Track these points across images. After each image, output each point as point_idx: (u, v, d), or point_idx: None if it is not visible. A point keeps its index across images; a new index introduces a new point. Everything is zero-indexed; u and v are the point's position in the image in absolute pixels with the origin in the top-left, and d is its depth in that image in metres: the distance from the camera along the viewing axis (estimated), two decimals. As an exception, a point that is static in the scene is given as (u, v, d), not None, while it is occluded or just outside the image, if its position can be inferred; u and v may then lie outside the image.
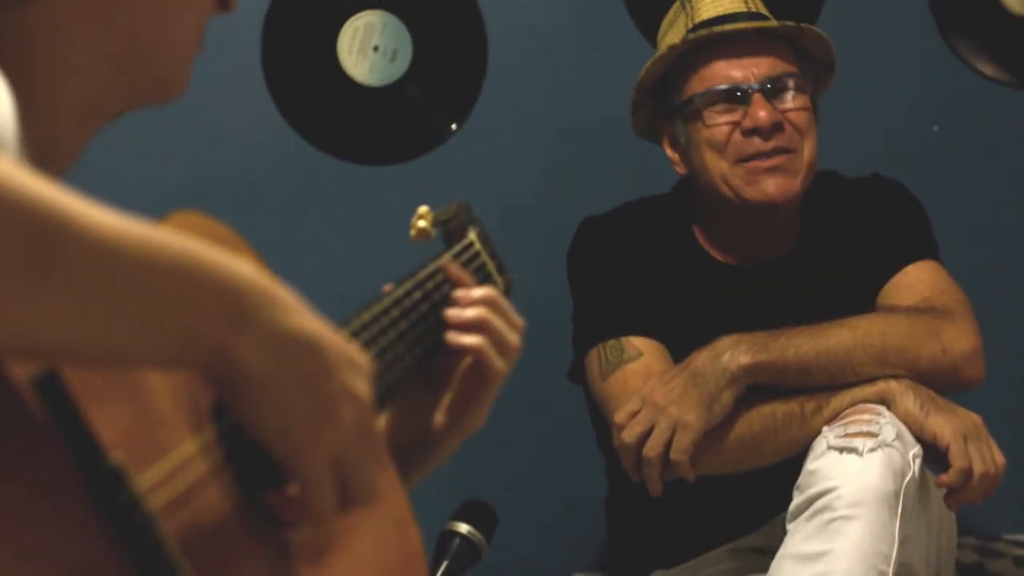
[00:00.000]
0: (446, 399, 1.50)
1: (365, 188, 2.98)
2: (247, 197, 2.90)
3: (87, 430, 0.96)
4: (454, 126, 3.02)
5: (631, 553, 2.69)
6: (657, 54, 2.56)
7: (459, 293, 1.48)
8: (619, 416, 2.37)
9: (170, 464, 1.03)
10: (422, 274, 1.45)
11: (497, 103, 3.02)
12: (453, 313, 1.47)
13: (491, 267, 1.65)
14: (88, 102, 1.18)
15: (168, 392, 1.07)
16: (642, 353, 2.45)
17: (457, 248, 1.60)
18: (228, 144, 2.92)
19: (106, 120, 1.21)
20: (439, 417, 1.51)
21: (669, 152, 2.61)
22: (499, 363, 1.48)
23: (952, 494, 2.31)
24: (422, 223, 1.61)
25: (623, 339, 2.47)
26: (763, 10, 2.59)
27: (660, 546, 2.62)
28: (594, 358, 2.49)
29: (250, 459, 1.10)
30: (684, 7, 2.62)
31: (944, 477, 2.30)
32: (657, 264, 2.55)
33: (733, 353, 2.34)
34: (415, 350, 1.41)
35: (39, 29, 1.14)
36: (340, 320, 1.29)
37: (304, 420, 1.05)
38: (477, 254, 1.63)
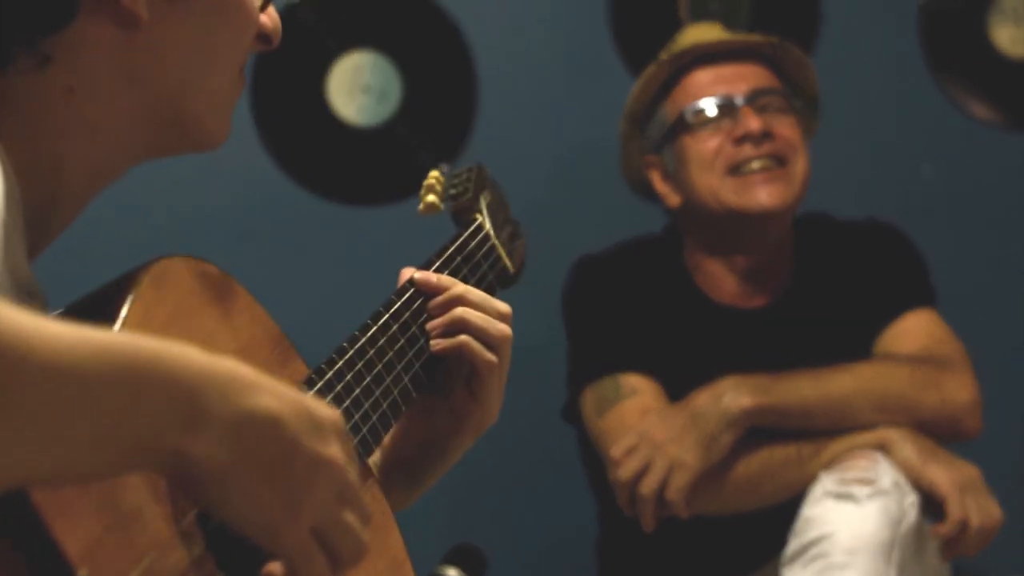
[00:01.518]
0: (451, 400, 1.48)
1: (354, 229, 2.98)
2: (234, 238, 2.89)
3: (54, 551, 0.94)
4: (443, 167, 3.00)
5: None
6: (643, 76, 2.56)
7: (432, 303, 1.46)
8: (615, 451, 2.36)
9: (147, 567, 1.01)
10: (397, 300, 1.43)
11: (487, 143, 3.01)
12: (430, 325, 1.45)
13: (501, 249, 1.62)
14: (101, 158, 1.16)
15: (143, 478, 1.04)
16: (638, 390, 2.44)
17: (465, 236, 1.56)
18: (215, 185, 2.91)
19: (121, 172, 1.19)
20: (447, 419, 1.49)
21: (660, 186, 2.59)
22: (488, 355, 1.45)
23: (948, 545, 2.30)
24: (431, 197, 1.58)
25: (619, 376, 2.46)
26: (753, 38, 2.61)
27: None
28: (590, 395, 2.48)
29: (232, 542, 1.07)
30: (671, 44, 2.62)
31: (940, 528, 2.30)
32: (652, 303, 2.55)
33: (734, 395, 2.34)
34: (404, 376, 1.39)
35: (56, 90, 1.12)
36: (316, 366, 1.27)
37: (275, 502, 1.02)
38: (486, 236, 1.60)
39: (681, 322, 2.54)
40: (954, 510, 2.29)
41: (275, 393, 1.03)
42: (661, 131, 2.57)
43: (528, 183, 3.05)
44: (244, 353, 1.19)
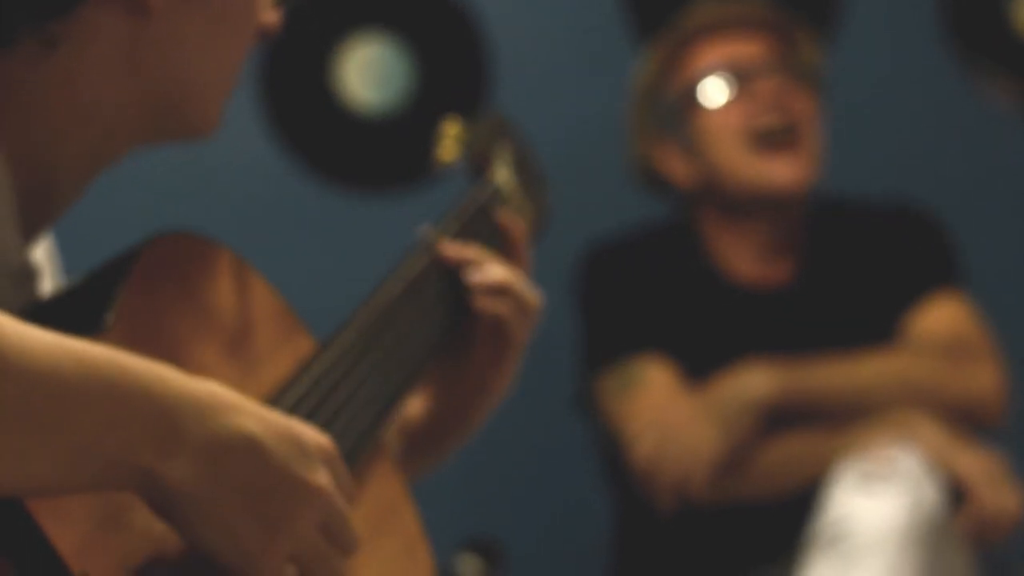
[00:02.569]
0: (472, 368, 1.45)
1: (362, 216, 2.96)
2: (240, 223, 2.88)
3: (45, 548, 0.92)
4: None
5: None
6: (649, 53, 2.54)
7: (473, 278, 1.42)
8: (633, 435, 2.35)
9: (139, 564, 0.99)
10: (412, 267, 1.39)
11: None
12: (475, 283, 1.41)
13: (522, 202, 1.55)
14: (98, 143, 1.14)
15: None
16: (656, 373, 2.42)
17: (483, 191, 1.50)
18: (222, 170, 2.90)
19: (118, 158, 1.17)
20: (468, 387, 1.46)
21: (671, 166, 2.56)
22: (522, 329, 1.43)
23: (971, 533, 2.29)
24: (448, 146, 1.53)
25: (636, 359, 2.44)
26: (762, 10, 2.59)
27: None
28: (606, 380, 2.46)
29: None
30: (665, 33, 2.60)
31: (963, 516, 2.28)
32: (667, 285, 2.53)
33: (756, 380, 2.33)
34: (420, 345, 1.34)
35: (58, 75, 1.11)
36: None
37: (252, 530, 0.99)
38: (506, 192, 1.53)
39: (697, 304, 2.52)
40: (978, 498, 2.28)
41: (257, 417, 1.00)
42: (672, 108, 2.54)
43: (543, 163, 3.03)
44: (248, 328, 1.17)
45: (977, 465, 2.31)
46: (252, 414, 1.00)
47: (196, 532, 0.99)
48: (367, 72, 2.97)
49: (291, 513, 1.01)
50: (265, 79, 2.93)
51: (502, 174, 1.55)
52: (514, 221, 1.51)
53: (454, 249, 1.42)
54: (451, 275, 1.41)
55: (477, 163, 1.56)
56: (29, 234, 1.12)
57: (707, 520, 2.40)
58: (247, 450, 0.99)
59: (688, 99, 2.51)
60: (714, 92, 2.49)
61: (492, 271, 1.42)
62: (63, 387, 0.90)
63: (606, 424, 2.48)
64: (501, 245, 1.48)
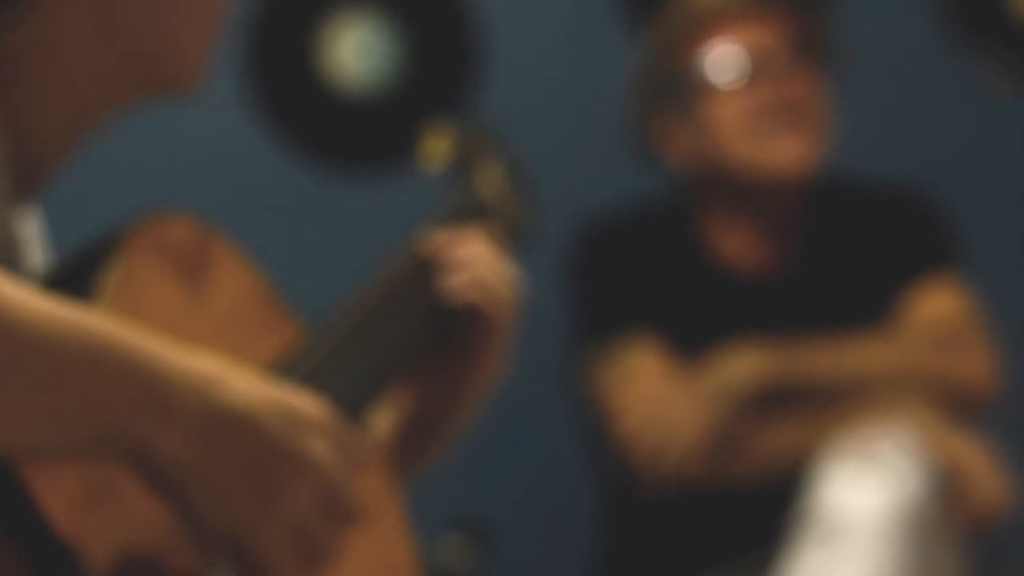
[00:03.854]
0: (460, 360, 1.44)
1: (350, 199, 2.96)
2: (227, 205, 2.88)
3: (40, 517, 0.93)
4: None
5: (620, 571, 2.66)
6: (655, 34, 2.54)
7: (448, 265, 1.43)
8: (620, 411, 2.35)
9: (132, 534, 1.00)
10: (397, 269, 1.40)
11: (489, 112, 2.99)
12: (449, 281, 1.41)
13: (508, 202, 1.56)
14: (78, 108, 1.14)
15: None
16: (647, 352, 2.42)
17: (468, 193, 1.52)
18: (206, 150, 2.90)
19: (98, 123, 1.17)
20: (447, 383, 1.46)
21: (673, 144, 2.56)
22: (501, 315, 1.42)
23: (961, 519, 2.30)
24: (433, 149, 1.54)
25: (627, 336, 2.44)
26: None
27: (648, 565, 2.58)
28: (596, 356, 2.46)
29: None
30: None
31: (954, 502, 2.28)
32: (660, 266, 2.54)
33: (747, 361, 2.34)
34: (405, 339, 1.36)
35: (34, 38, 1.11)
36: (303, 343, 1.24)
37: (245, 504, 1.00)
38: (491, 195, 1.53)
39: (690, 287, 2.53)
40: (967, 484, 2.29)
41: (253, 390, 1.00)
42: (678, 88, 2.54)
43: (530, 154, 3.03)
44: (235, 310, 1.18)
45: (967, 450, 2.32)
46: (247, 386, 1.00)
47: (188, 504, 0.99)
48: (355, 51, 2.97)
49: (285, 485, 1.01)
50: (250, 57, 2.92)
51: (486, 182, 1.56)
52: (493, 229, 1.53)
53: (432, 242, 1.43)
54: (432, 272, 1.43)
55: (461, 170, 1.57)
56: (14, 203, 1.11)
57: (692, 504, 2.40)
58: (241, 422, 0.99)
59: (698, 80, 2.51)
60: (725, 75, 2.49)
61: (473, 267, 1.42)
62: (58, 351, 0.90)
63: (593, 402, 2.49)
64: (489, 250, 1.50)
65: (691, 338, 2.43)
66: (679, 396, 2.34)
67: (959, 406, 2.40)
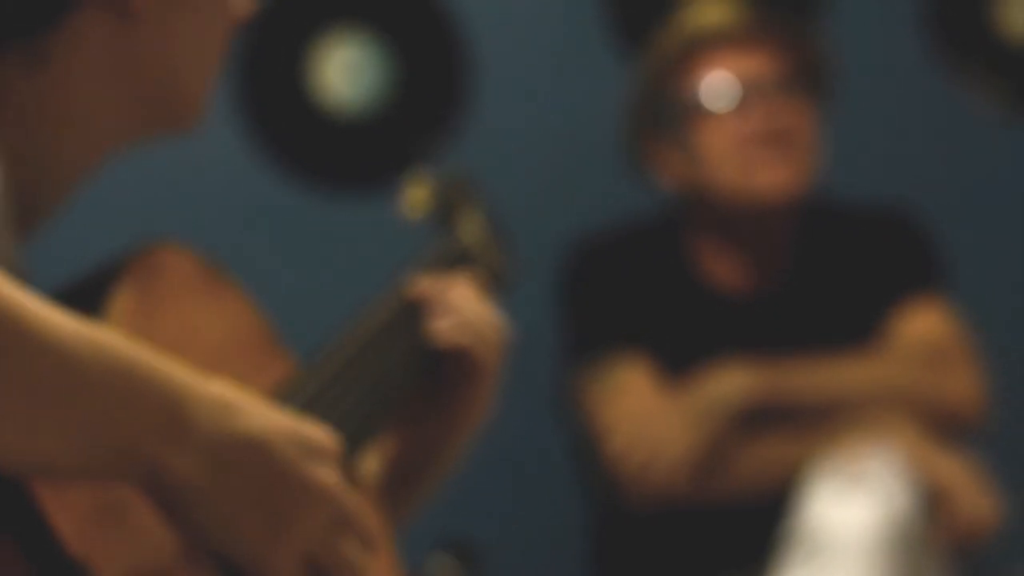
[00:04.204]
0: (446, 403, 1.46)
1: (340, 219, 2.96)
2: (220, 230, 2.88)
3: (50, 533, 0.94)
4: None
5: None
6: (651, 54, 2.55)
7: (437, 322, 1.45)
8: (608, 428, 2.36)
9: (141, 552, 1.00)
10: (384, 308, 1.42)
11: (479, 133, 3.00)
12: (434, 325, 1.43)
13: (489, 254, 1.59)
14: (89, 145, 1.15)
15: None
16: (635, 370, 2.44)
17: (451, 241, 1.54)
18: (198, 174, 2.90)
19: (105, 160, 1.19)
20: (444, 422, 1.47)
21: (662, 168, 2.58)
22: (490, 357, 1.44)
23: (947, 538, 2.31)
24: (415, 197, 1.56)
25: (616, 356, 2.45)
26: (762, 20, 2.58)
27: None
28: (585, 374, 2.48)
29: None
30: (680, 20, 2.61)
31: (941, 520, 2.29)
32: (649, 286, 2.55)
33: (734, 379, 2.35)
34: (393, 382, 1.37)
35: (48, 86, 1.12)
36: (300, 374, 1.25)
37: (258, 529, 1.01)
38: (472, 242, 1.56)
39: (679, 307, 2.54)
40: (953, 503, 2.29)
41: (265, 417, 1.02)
42: (670, 112, 2.55)
43: (519, 173, 3.04)
44: (229, 344, 1.19)
45: (953, 469, 2.33)
46: (260, 414, 1.01)
47: (200, 528, 1.00)
48: (344, 71, 2.97)
49: (298, 511, 1.02)
50: (241, 77, 2.93)
51: (467, 230, 1.58)
52: (478, 276, 1.54)
53: (419, 286, 1.44)
54: (419, 315, 1.44)
55: (442, 219, 1.59)
56: (20, 237, 1.13)
57: (681, 522, 2.41)
58: (254, 449, 1.00)
59: (690, 105, 2.53)
60: (716, 101, 2.51)
61: (459, 311, 1.44)
62: (79, 369, 0.91)
63: (583, 420, 2.50)
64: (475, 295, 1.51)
65: (679, 357, 2.44)
66: (666, 413, 2.35)
67: (946, 425, 2.41)
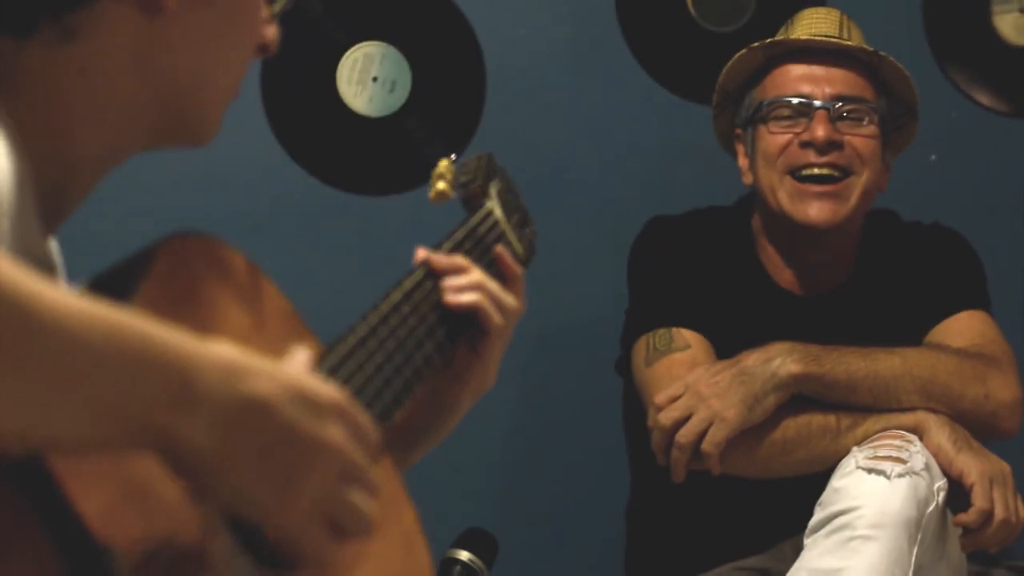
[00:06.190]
0: (453, 363, 1.52)
1: (365, 217, 2.99)
2: (247, 227, 2.91)
3: (74, 517, 0.96)
4: (452, 156, 3.02)
5: (643, 563, 2.69)
6: (736, 55, 2.58)
7: (447, 278, 1.49)
8: (659, 398, 2.39)
9: (164, 534, 1.03)
10: (408, 280, 1.46)
11: (495, 134, 3.02)
12: (449, 285, 1.48)
13: (510, 234, 1.65)
14: (107, 142, 1.17)
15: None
16: (691, 345, 2.47)
17: (474, 221, 1.59)
18: (228, 174, 2.92)
19: (122, 160, 1.21)
20: (448, 381, 1.53)
21: (741, 160, 2.64)
22: (499, 318, 1.50)
23: (968, 535, 2.32)
24: (441, 184, 1.60)
25: (674, 329, 2.49)
26: (858, 41, 2.60)
27: (672, 557, 2.62)
28: (642, 344, 2.51)
29: None
30: (787, 26, 2.66)
31: (963, 516, 2.31)
32: (716, 269, 2.58)
33: (784, 360, 2.37)
34: (417, 352, 1.41)
35: (73, 68, 1.13)
36: (327, 345, 1.29)
37: (268, 487, 1.04)
38: (495, 223, 1.62)
39: (740, 293, 2.58)
40: (980, 500, 2.31)
41: (270, 376, 1.04)
42: (747, 112, 2.60)
43: (535, 175, 3.06)
44: (256, 329, 1.21)
45: (983, 467, 2.34)
46: (266, 375, 1.04)
47: (216, 491, 1.02)
48: (367, 76, 3.00)
49: (304, 468, 1.05)
50: (269, 82, 2.96)
51: (493, 208, 1.62)
52: (506, 252, 1.58)
53: (442, 257, 1.49)
54: (436, 279, 1.49)
55: (470, 197, 1.63)
56: (46, 230, 1.14)
57: (716, 497, 2.44)
58: (259, 409, 1.03)
59: (755, 112, 2.57)
60: (776, 115, 2.54)
61: (471, 274, 1.48)
62: (90, 346, 0.94)
63: (636, 386, 2.52)
64: (494, 273, 1.56)
65: (731, 341, 2.47)
66: (719, 387, 2.37)
67: (983, 427, 2.43)
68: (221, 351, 1.02)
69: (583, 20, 3.08)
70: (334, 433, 1.07)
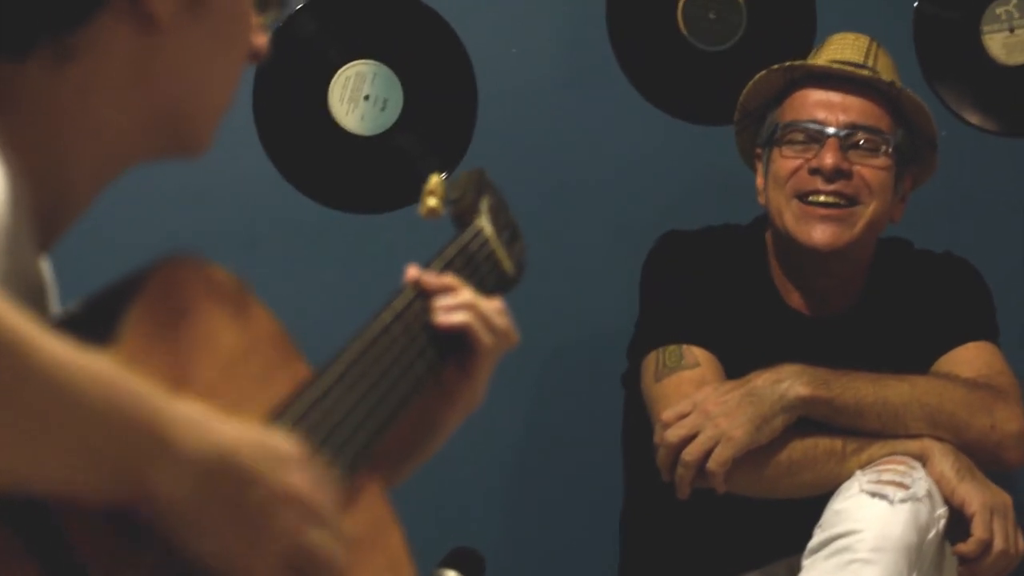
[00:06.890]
0: (442, 381, 1.52)
1: (356, 235, 2.99)
2: (239, 245, 2.91)
3: (67, 549, 0.98)
4: (444, 175, 3.03)
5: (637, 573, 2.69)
6: (756, 78, 2.59)
7: (437, 298, 1.50)
8: (667, 414, 2.39)
9: (144, 561, 1.04)
10: (397, 300, 1.46)
11: (486, 152, 3.03)
12: (440, 305, 1.49)
13: (500, 251, 1.65)
14: (103, 159, 1.17)
15: None
16: (700, 363, 2.47)
17: (465, 238, 1.60)
18: (220, 193, 2.92)
19: (118, 175, 1.21)
20: (437, 399, 1.53)
21: (758, 180, 2.64)
22: (488, 338, 1.50)
23: (967, 564, 2.32)
24: (432, 201, 1.60)
25: (684, 347, 2.49)
26: (883, 72, 2.59)
27: (665, 572, 2.62)
28: (652, 360, 2.52)
29: None
30: (817, 48, 2.67)
31: (963, 545, 2.32)
32: (729, 288, 2.59)
33: (794, 382, 2.37)
34: (406, 375, 1.41)
35: (71, 88, 1.13)
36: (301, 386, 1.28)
37: (234, 539, 1.05)
38: (486, 241, 1.63)
39: (751, 313, 2.58)
40: (980, 529, 2.32)
41: (233, 429, 1.06)
42: (766, 133, 2.61)
43: (526, 193, 3.06)
44: (246, 352, 1.21)
45: (985, 498, 2.35)
46: (229, 427, 1.06)
47: (188, 543, 1.04)
48: (358, 94, 3.01)
49: (271, 519, 1.07)
50: (260, 100, 2.96)
51: (483, 225, 1.63)
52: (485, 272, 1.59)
53: (433, 277, 1.49)
54: (424, 300, 1.49)
55: (460, 213, 1.63)
56: (40, 250, 1.15)
57: (715, 514, 2.44)
58: (226, 460, 1.05)
59: (772, 134, 2.57)
60: (789, 139, 2.54)
61: (461, 294, 1.49)
62: (77, 400, 0.96)
63: (643, 401, 2.53)
64: (483, 289, 1.56)
65: (739, 359, 2.47)
66: (726, 406, 2.37)
67: (987, 458, 2.44)
68: (188, 405, 1.04)
69: (574, 38, 3.09)
70: (296, 480, 1.09)
